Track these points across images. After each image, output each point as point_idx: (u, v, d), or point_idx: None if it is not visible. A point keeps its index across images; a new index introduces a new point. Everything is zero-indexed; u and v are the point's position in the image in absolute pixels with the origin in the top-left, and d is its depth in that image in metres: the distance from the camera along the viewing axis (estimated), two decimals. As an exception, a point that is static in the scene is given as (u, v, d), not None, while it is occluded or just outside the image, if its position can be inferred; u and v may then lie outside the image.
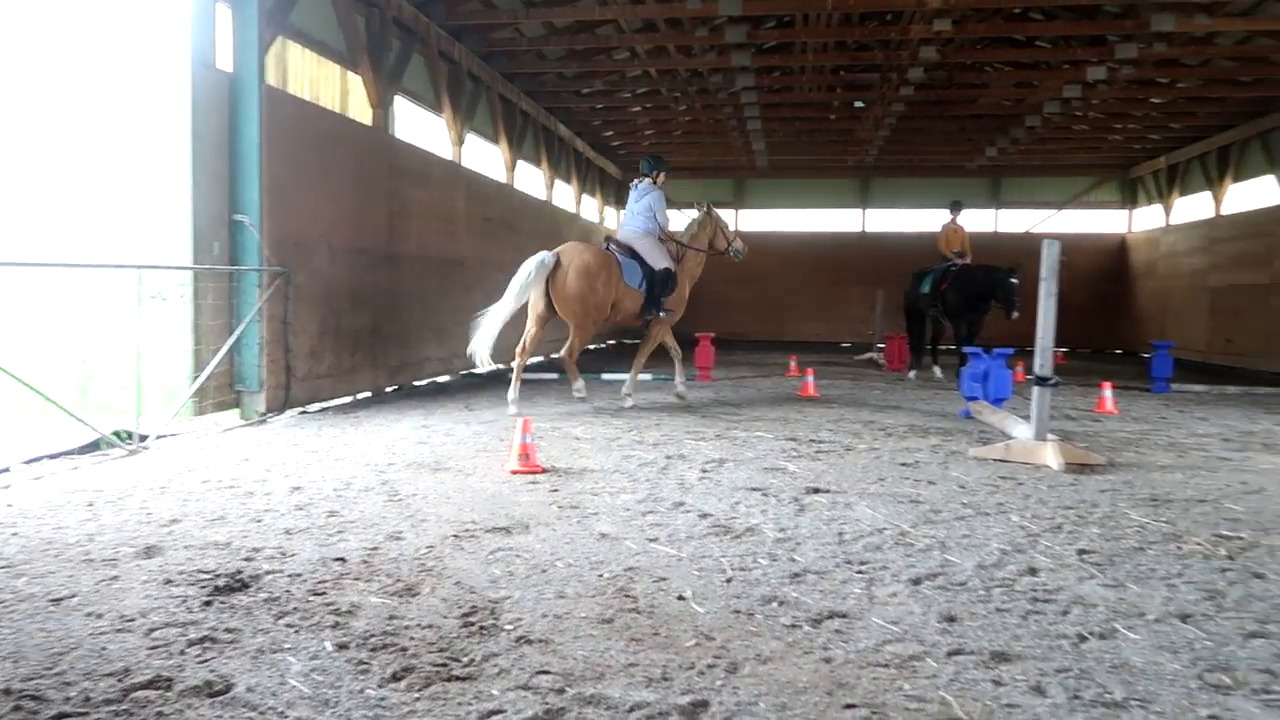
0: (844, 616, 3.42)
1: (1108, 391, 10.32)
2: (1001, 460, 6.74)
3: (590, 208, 22.87)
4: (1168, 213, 21.87)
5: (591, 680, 2.82)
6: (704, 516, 4.91)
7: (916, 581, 3.85)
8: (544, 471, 6.04)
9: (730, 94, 16.96)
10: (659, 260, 9.48)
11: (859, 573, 3.97)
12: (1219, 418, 9.68)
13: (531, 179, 17.75)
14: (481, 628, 3.24)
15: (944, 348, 14.66)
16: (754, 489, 5.63)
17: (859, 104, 17.34)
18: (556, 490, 5.51)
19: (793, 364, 14.77)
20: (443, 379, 12.43)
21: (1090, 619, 3.45)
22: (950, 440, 7.76)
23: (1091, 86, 15.22)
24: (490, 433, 7.76)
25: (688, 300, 9.93)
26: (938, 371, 13.79)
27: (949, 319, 13.28)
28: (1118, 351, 23.12)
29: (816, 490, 5.62)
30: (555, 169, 18.81)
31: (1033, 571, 4.02)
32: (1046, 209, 24.50)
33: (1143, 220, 23.71)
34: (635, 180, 9.79)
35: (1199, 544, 4.51)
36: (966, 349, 9.90)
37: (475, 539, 4.40)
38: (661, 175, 9.78)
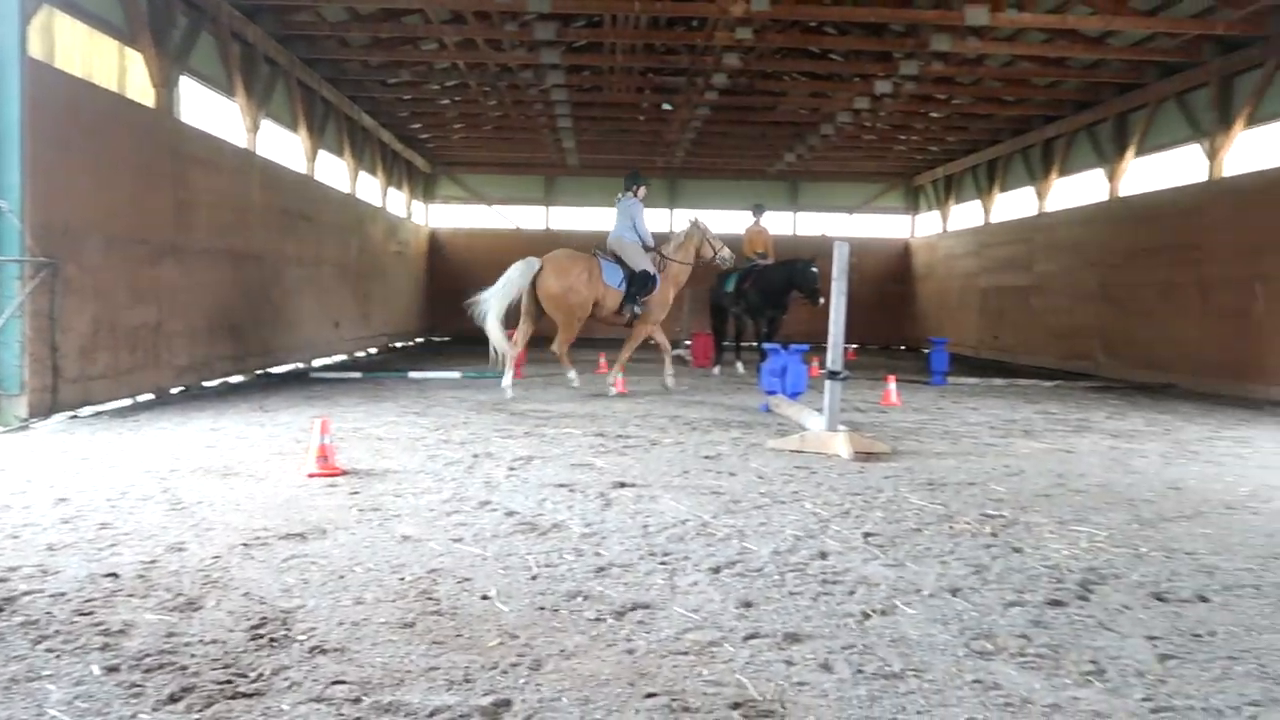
0: (647, 607, 3.49)
1: (892, 385, 11.06)
2: (797, 451, 7.08)
3: (398, 201, 22.22)
4: (945, 219, 23.72)
5: (390, 687, 2.73)
6: (510, 514, 4.88)
7: (716, 570, 3.98)
8: (344, 474, 5.81)
9: (540, 91, 16.94)
10: (639, 262, 10.71)
11: (662, 564, 4.06)
12: (987, 408, 10.58)
13: (334, 170, 17.04)
14: (272, 640, 3.07)
15: (747, 345, 15.25)
16: (561, 485, 5.65)
17: (667, 106, 17.76)
18: (357, 493, 5.32)
19: (602, 361, 14.93)
20: (236, 379, 11.72)
21: (873, 597, 3.68)
22: (751, 433, 8.08)
23: (879, 99, 16.25)
24: (286, 435, 7.39)
25: (672, 302, 11.29)
26: (740, 367, 14.34)
27: (751, 316, 13.83)
28: (902, 347, 24.84)
29: (623, 485, 5.71)
30: (359, 160, 18.15)
31: (823, 555, 4.25)
32: (840, 213, 25.98)
33: (924, 225, 25.59)
34: (620, 194, 11.08)
35: (968, 523, 4.91)
36: (766, 345, 10.34)
37: (267, 547, 4.18)
38: (641, 189, 11.06)
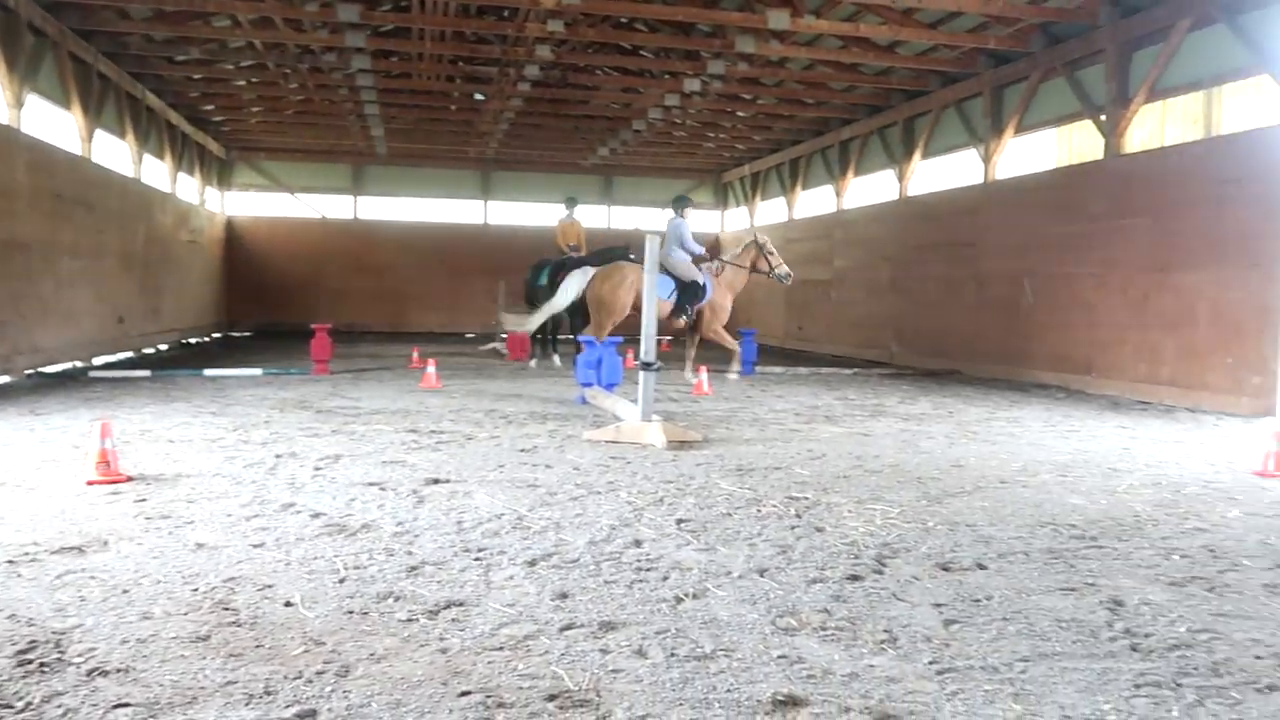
0: (461, 605, 3.43)
1: (704, 375, 11.39)
2: (613, 441, 7.16)
3: (189, 187, 20.76)
4: (752, 215, 24.63)
5: (182, 706, 2.55)
6: (316, 516, 4.67)
7: (532, 563, 3.96)
8: (129, 480, 5.38)
9: (345, 75, 16.29)
10: (688, 274, 11.89)
11: (477, 559, 4.00)
12: (793, 395, 11.09)
13: (115, 152, 15.71)
14: (43, 664, 2.80)
15: (563, 337, 15.27)
16: (371, 484, 5.46)
17: (479, 96, 17.50)
18: (144, 500, 4.93)
19: (415, 355, 14.57)
20: (2, 380, 10.62)
21: (686, 581, 3.77)
22: (567, 425, 8.10)
23: (688, 97, 16.67)
24: (62, 440, 6.77)
25: (729, 309, 12.53)
26: (557, 360, 14.36)
27: (566, 309, 13.85)
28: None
29: (436, 481, 5.59)
30: (145, 143, 16.81)
31: (638, 543, 4.31)
32: (653, 208, 26.46)
33: (733, 221, 26.48)
34: (670, 216, 12.35)
35: (775, 506, 5.12)
36: (581, 338, 10.39)
37: (38, 563, 3.81)
38: (687, 210, 12.37)
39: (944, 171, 16.27)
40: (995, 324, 13.86)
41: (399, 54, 15.39)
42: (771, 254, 12.34)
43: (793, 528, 4.67)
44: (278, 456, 6.27)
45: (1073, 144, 13.68)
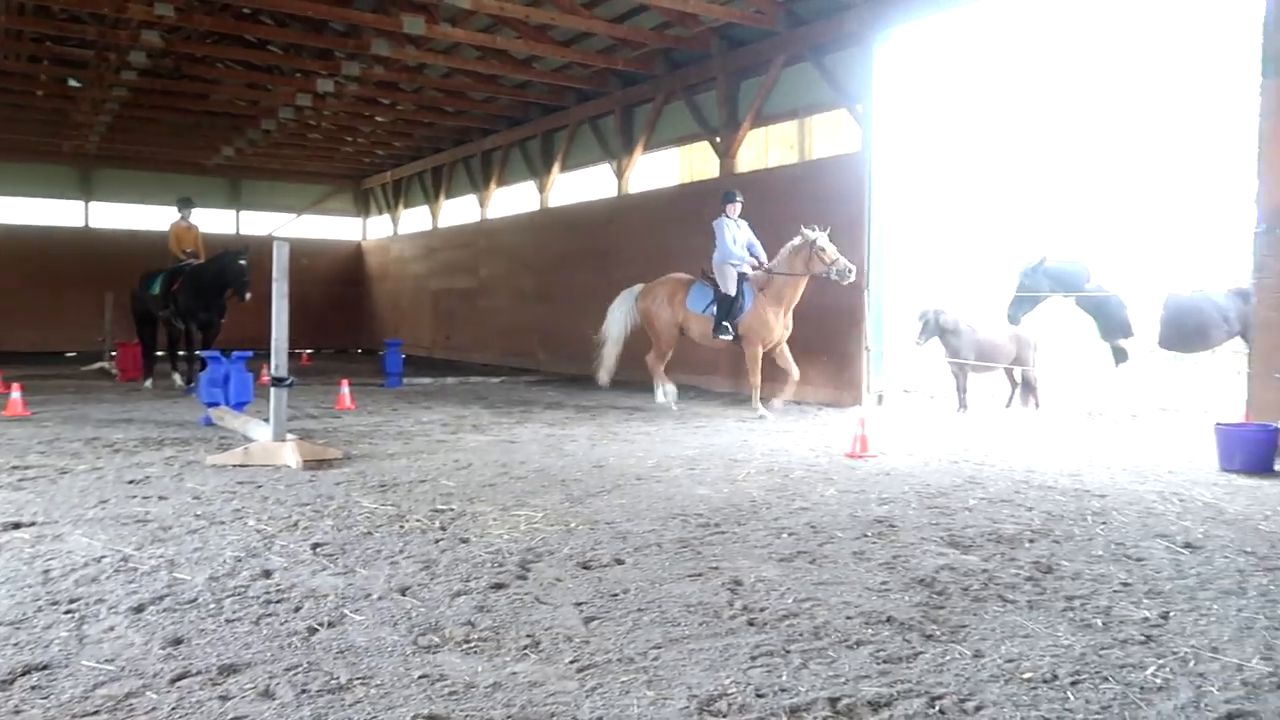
0: (45, 669, 2.93)
1: (346, 389, 10.89)
2: (242, 465, 6.59)
3: None
4: (396, 223, 24.06)
5: None
6: None
7: (139, 609, 3.51)
8: None
9: (-112, 46, 13.57)
10: (725, 285, 10.18)
11: (68, 613, 3.46)
12: (441, 406, 10.94)
13: None
14: None
15: (183, 353, 13.84)
16: (-73, 536, 4.55)
17: (73, 83, 15.42)
18: None
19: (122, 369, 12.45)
20: None
21: (321, 610, 3.53)
22: (187, 450, 7.34)
23: (322, 98, 15.88)
24: None
25: (781, 324, 10.30)
26: (178, 379, 12.98)
27: (184, 321, 12.58)
28: (359, 350, 24.66)
29: (17, 525, 4.78)
30: None
31: (267, 574, 3.98)
32: (287, 213, 24.92)
33: (375, 229, 25.68)
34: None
35: (419, 521, 4.99)
36: (205, 353, 9.48)
37: None
38: (732, 206, 10.39)
39: (582, 184, 16.97)
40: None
41: (-37, 26, 13.10)
42: (824, 250, 9.88)
43: (437, 541, 4.56)
44: None
45: (694, 163, 14.88)
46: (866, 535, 4.71)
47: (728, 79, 12.81)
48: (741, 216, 10.44)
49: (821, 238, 9.88)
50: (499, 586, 3.84)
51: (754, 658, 3.08)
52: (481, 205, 19.64)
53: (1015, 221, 21.72)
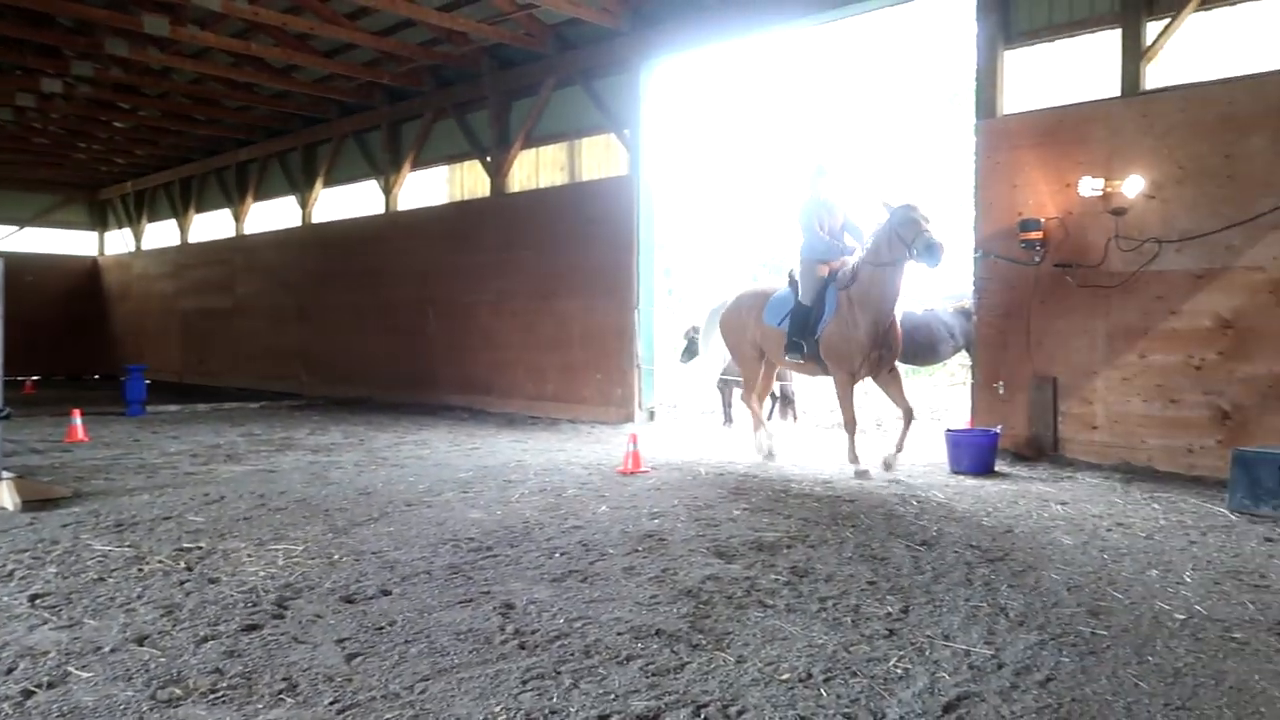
0: None
1: (78, 419, 9.85)
2: (-55, 510, 5.79)
3: None
4: (139, 238, 22.14)
5: None
6: None
7: None
8: None
9: None
10: (803, 290, 7.67)
11: None
12: (190, 435, 10.12)
13: None
14: None
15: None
16: None
17: None
18: None
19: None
20: None
21: (39, 669, 3.15)
22: (-124, 495, 6.35)
23: (48, 99, 14.37)
24: None
25: (876, 337, 7.27)
26: None
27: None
28: (96, 376, 22.40)
29: None
30: None
31: (-28, 633, 3.50)
32: (9, 225, 22.31)
33: (115, 243, 23.49)
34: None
35: (161, 561, 4.56)
36: None
37: None
38: (822, 181, 7.78)
39: (349, 200, 16.31)
40: (403, 350, 14.27)
41: None
42: (904, 226, 6.95)
43: (182, 583, 4.20)
44: None
45: (464, 181, 14.70)
46: (637, 550, 4.79)
47: (499, 99, 12.78)
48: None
49: (917, 208, 7.00)
50: (252, 628, 3.58)
51: (525, 682, 3.05)
52: (237, 220, 18.45)
53: (766, 242, 23.14)
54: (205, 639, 3.46)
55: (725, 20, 10.18)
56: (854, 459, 7.35)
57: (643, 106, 11.17)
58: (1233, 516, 5.67)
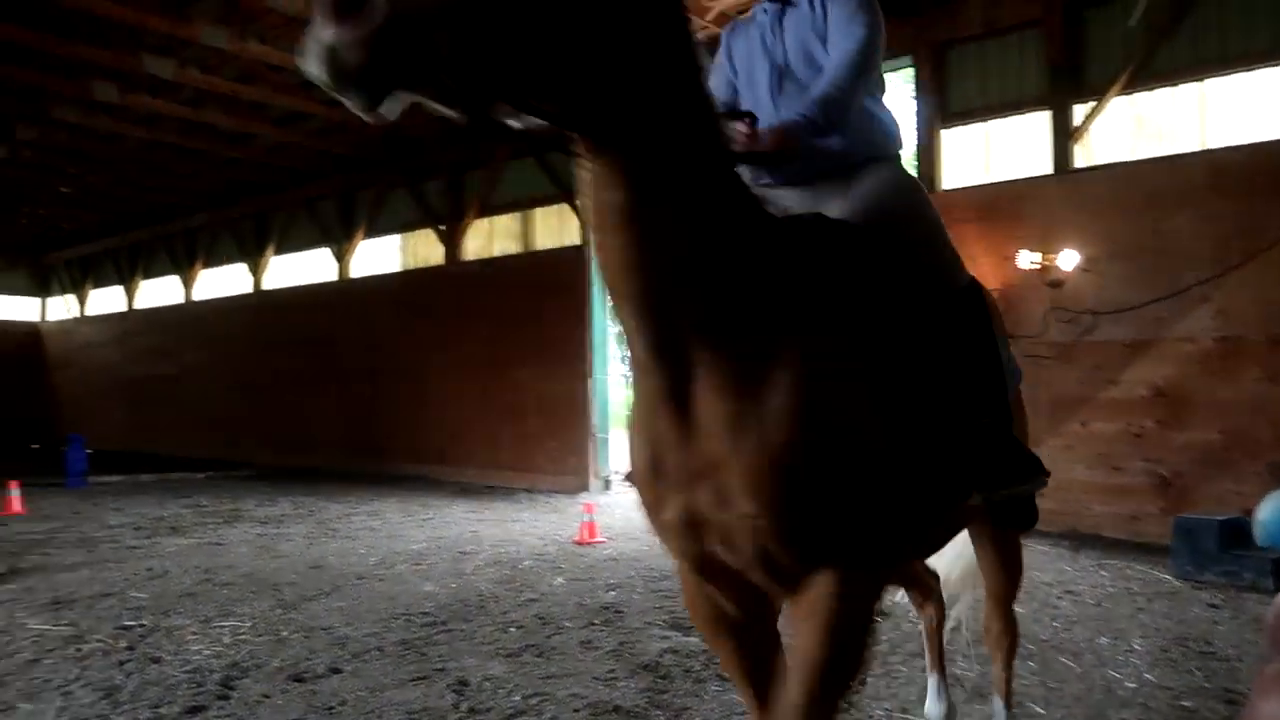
0: None
1: (15, 490, 9.54)
2: None
3: None
4: (83, 304, 21.74)
5: None
6: None
7: None
8: None
9: None
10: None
11: None
12: (134, 506, 9.85)
13: None
14: None
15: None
16: None
17: None
18: None
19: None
20: None
21: (-30, 759, 3.02)
22: None
23: (-7, 163, 14.19)
24: None
25: None
26: None
27: None
28: (35, 447, 21.70)
29: None
30: None
31: (-102, 722, 3.36)
32: (-55, 290, 21.81)
33: (57, 310, 23.03)
34: None
35: (101, 641, 4.42)
36: None
37: None
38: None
39: (300, 268, 16.23)
40: (355, 418, 14.10)
41: None
42: None
43: (122, 663, 4.06)
44: None
45: (418, 250, 14.73)
46: (594, 623, 4.75)
47: (452, 168, 12.90)
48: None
49: None
50: (195, 710, 3.48)
51: (480, 762, 2.99)
52: (186, 286, 18.24)
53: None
54: (147, 723, 3.35)
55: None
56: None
57: (596, 177, 11.33)
58: (1177, 583, 5.79)
